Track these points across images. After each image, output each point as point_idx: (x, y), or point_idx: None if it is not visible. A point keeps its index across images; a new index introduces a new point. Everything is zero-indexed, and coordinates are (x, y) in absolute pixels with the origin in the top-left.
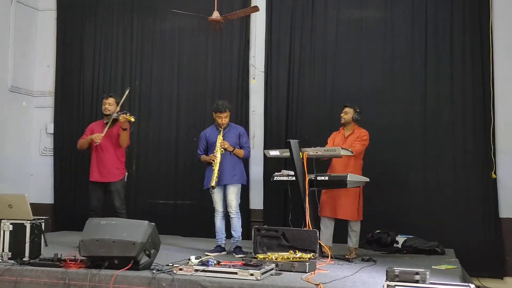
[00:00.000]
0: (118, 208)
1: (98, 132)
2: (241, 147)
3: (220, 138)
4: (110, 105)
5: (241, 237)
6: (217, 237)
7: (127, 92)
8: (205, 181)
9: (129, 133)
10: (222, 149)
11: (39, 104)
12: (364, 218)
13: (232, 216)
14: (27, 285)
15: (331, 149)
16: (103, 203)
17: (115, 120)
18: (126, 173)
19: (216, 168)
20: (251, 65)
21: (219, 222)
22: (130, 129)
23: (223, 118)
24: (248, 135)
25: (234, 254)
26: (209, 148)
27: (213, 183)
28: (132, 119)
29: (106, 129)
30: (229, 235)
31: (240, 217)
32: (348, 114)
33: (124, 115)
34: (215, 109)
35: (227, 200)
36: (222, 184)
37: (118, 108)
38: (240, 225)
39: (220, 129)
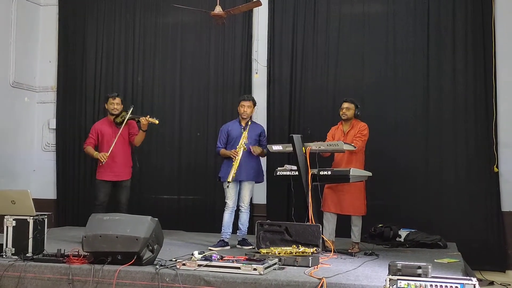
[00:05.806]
0: (123, 203)
1: (107, 132)
2: (260, 145)
3: (244, 135)
4: (118, 104)
5: (246, 231)
6: (222, 231)
7: (131, 110)
8: (220, 173)
9: None
10: (245, 147)
11: (41, 100)
12: (367, 212)
13: (242, 210)
14: (30, 280)
15: (333, 143)
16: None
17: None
18: None
19: (236, 164)
20: (254, 59)
21: (228, 217)
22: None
23: (246, 107)
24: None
25: (241, 246)
26: (229, 143)
27: (230, 179)
28: (157, 122)
29: (119, 132)
30: (234, 229)
31: (249, 212)
32: (350, 110)
33: (147, 118)
34: (240, 99)
35: (240, 195)
36: (238, 180)
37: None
38: (248, 220)
39: (242, 124)
